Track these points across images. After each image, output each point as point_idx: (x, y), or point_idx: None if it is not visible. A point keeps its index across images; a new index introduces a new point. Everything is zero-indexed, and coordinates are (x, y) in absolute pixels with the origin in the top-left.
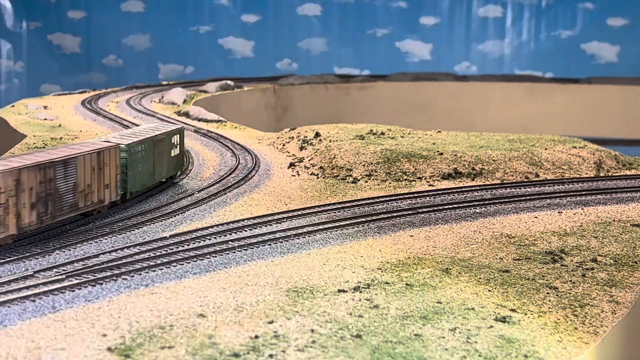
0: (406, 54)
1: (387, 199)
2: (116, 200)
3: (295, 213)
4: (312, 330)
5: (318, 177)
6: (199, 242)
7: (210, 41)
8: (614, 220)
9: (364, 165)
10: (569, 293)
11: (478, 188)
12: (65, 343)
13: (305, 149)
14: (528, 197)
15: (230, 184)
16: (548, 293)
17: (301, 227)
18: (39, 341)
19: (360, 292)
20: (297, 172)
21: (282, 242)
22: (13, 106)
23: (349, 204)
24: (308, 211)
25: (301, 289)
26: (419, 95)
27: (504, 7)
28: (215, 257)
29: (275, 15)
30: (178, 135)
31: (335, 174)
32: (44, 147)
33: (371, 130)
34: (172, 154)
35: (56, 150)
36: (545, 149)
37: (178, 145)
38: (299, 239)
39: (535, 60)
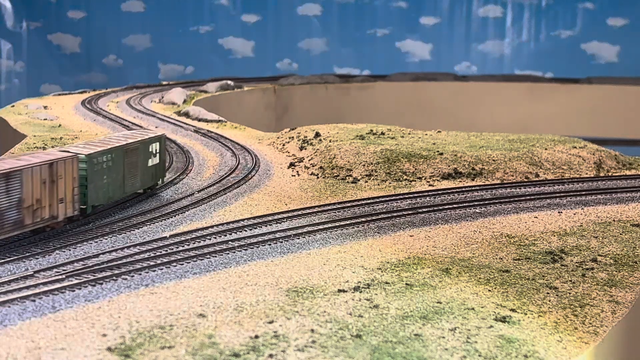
0: (406, 54)
1: (387, 199)
2: (73, 216)
3: (295, 213)
4: (312, 330)
5: (318, 177)
6: (199, 242)
7: (210, 41)
8: (614, 220)
9: (364, 165)
10: (569, 293)
11: (478, 188)
12: (65, 343)
13: (305, 149)
14: (528, 197)
15: (230, 184)
16: (548, 293)
17: (301, 227)
18: (39, 341)
19: (360, 292)
20: (297, 172)
21: (282, 242)
22: (13, 106)
23: (349, 204)
24: (308, 211)
25: (301, 289)
26: (419, 95)
27: (504, 7)
28: (215, 257)
29: (275, 15)
30: (157, 143)
31: (335, 174)
32: (43, 147)
33: (371, 130)
34: (150, 164)
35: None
36: (545, 149)
37: (158, 154)
38: (299, 239)
39: (535, 60)
